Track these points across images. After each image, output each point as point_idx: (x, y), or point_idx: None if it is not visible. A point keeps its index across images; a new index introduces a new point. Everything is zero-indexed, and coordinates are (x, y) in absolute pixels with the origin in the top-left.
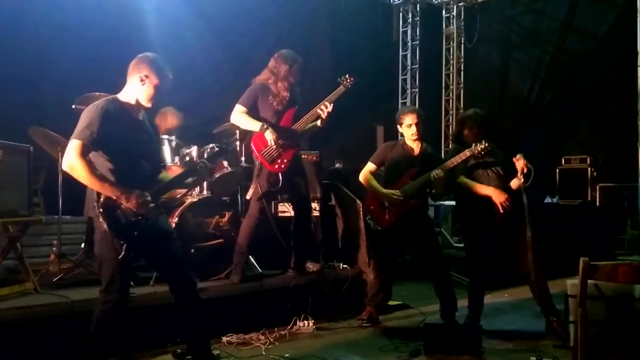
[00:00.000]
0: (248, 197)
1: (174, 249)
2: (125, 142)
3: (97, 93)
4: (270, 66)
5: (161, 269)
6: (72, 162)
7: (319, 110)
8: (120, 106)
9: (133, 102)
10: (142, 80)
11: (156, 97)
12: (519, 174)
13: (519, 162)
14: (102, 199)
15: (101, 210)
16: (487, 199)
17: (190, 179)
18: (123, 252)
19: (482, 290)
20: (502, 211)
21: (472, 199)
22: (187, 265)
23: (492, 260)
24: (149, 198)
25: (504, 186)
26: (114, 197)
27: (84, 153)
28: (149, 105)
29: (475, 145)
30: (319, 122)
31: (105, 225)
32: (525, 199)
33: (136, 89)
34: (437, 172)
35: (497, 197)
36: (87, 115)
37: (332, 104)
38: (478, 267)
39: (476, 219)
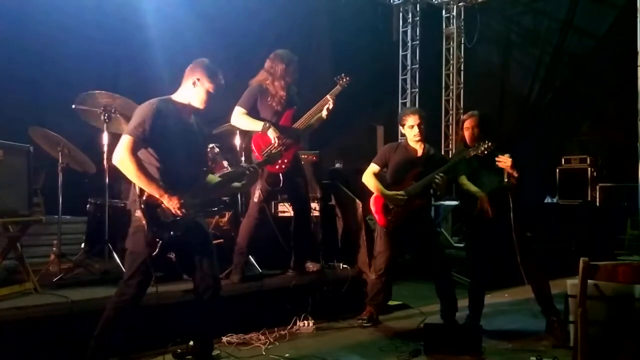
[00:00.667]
0: (255, 199)
1: (207, 251)
2: (173, 142)
3: (97, 91)
4: (267, 66)
5: (191, 269)
6: (122, 157)
7: (328, 97)
8: (173, 106)
9: (185, 104)
10: (194, 84)
11: (208, 101)
12: (512, 174)
13: (505, 163)
14: (145, 196)
15: (143, 206)
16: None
17: (238, 184)
18: (157, 249)
19: (482, 290)
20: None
21: (472, 199)
22: (217, 269)
23: (492, 260)
24: (189, 200)
25: (504, 186)
26: (157, 196)
27: (134, 149)
28: (201, 107)
29: (479, 145)
30: (323, 114)
31: (144, 221)
32: (510, 201)
33: (189, 92)
34: (439, 175)
35: (482, 204)
36: (140, 112)
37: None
38: (478, 267)
39: (477, 219)
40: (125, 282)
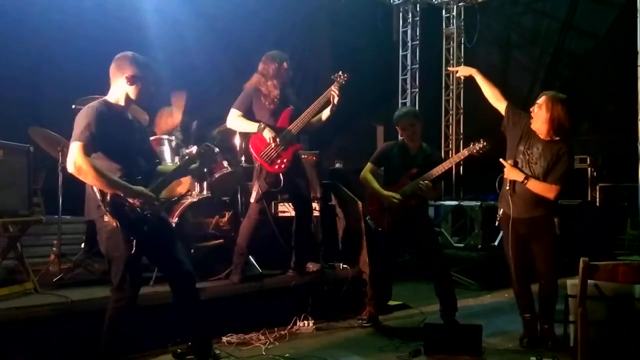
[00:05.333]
0: (252, 200)
1: (175, 247)
2: (121, 142)
3: (98, 96)
4: (260, 68)
5: (162, 267)
6: (77, 163)
7: (332, 92)
8: (111, 107)
9: (122, 103)
10: (128, 81)
11: (145, 93)
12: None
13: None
14: (109, 198)
15: (109, 208)
16: None
17: (194, 165)
18: (134, 248)
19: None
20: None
21: None
22: (189, 263)
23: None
24: (152, 194)
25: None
26: (121, 194)
27: (87, 153)
28: (139, 100)
29: (472, 145)
30: (324, 115)
31: (114, 223)
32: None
33: (123, 89)
34: (424, 182)
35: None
36: (84, 117)
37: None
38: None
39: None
40: (117, 289)
